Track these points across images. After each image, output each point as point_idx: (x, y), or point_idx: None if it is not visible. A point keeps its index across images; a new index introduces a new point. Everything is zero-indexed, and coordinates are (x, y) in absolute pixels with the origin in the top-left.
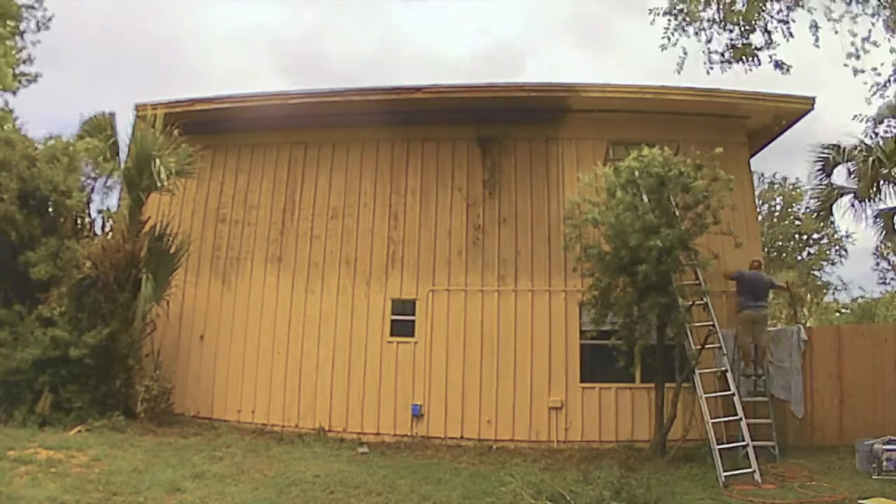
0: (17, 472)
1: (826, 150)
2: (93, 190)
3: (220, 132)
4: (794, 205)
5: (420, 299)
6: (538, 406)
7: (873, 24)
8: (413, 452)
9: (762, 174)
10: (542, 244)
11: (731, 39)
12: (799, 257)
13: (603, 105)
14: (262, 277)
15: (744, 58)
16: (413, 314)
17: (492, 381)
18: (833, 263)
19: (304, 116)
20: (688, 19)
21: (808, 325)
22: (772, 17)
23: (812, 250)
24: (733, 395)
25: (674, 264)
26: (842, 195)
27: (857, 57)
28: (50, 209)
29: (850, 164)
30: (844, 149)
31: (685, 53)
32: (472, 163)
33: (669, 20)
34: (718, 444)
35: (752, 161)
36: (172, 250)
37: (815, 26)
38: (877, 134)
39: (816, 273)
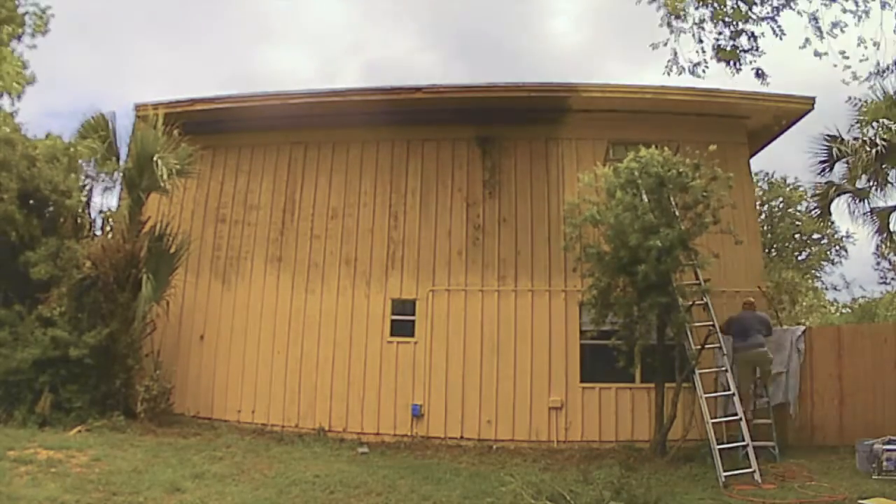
0: (17, 472)
1: (827, 142)
2: (93, 190)
3: (221, 132)
4: (793, 206)
5: (420, 299)
6: (538, 406)
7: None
8: (413, 452)
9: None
10: (542, 244)
11: (717, 40)
12: (800, 257)
13: (603, 105)
14: (262, 277)
15: (730, 60)
16: (413, 314)
17: (492, 380)
18: (833, 263)
19: (304, 116)
20: (671, 13)
21: (806, 322)
22: (760, 18)
23: (813, 250)
24: (733, 394)
25: (673, 264)
26: (840, 194)
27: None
28: (50, 209)
29: (850, 158)
30: (847, 142)
31: (675, 54)
32: (472, 163)
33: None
34: (718, 444)
35: (751, 161)
36: (172, 250)
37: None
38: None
39: (816, 273)
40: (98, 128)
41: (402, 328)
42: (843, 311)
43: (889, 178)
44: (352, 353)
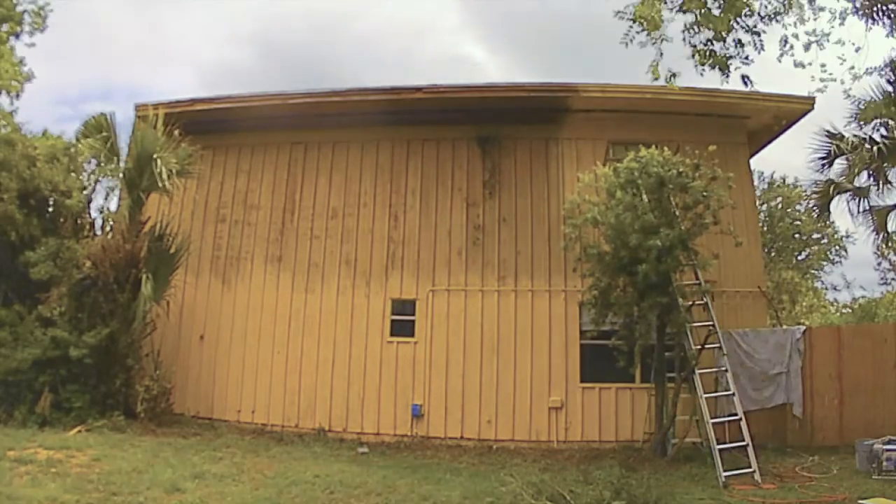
0: (17, 472)
1: (827, 138)
2: (93, 190)
3: (220, 132)
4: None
5: (420, 299)
6: (538, 406)
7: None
8: (413, 452)
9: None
10: (542, 244)
11: (702, 43)
12: (800, 256)
13: (603, 105)
14: (262, 277)
15: (717, 66)
16: (413, 314)
17: (492, 381)
18: (833, 263)
19: (304, 116)
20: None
21: (806, 323)
22: (748, 28)
23: (813, 250)
24: (733, 394)
25: (674, 264)
26: (840, 192)
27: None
28: (50, 209)
29: (849, 155)
30: (847, 139)
31: (661, 55)
32: (472, 163)
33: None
34: (719, 443)
35: (751, 161)
36: (172, 250)
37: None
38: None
39: (816, 273)
40: (100, 128)
41: (402, 328)
42: (843, 311)
43: (889, 178)
44: (352, 353)
